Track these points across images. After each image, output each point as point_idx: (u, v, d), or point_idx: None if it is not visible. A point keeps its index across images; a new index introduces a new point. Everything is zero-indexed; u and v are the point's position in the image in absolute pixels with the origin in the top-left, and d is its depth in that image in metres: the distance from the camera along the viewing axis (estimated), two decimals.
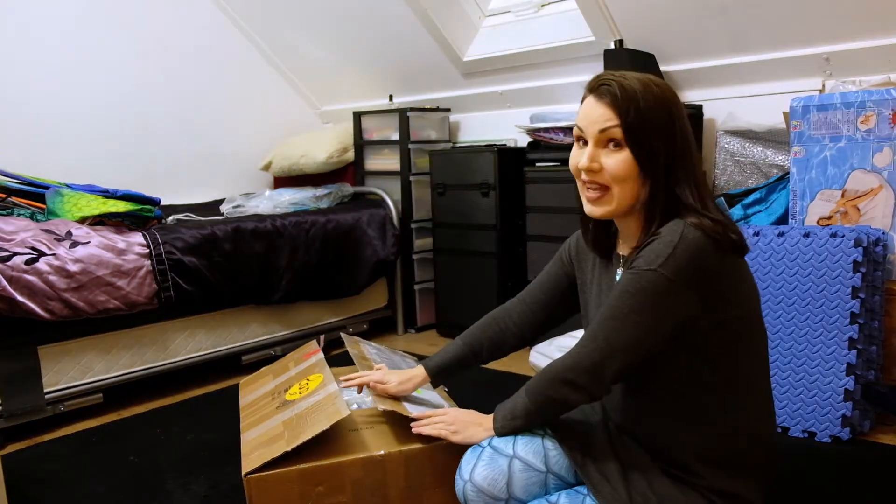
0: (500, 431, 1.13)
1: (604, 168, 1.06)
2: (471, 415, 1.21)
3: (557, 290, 1.33)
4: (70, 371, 1.99)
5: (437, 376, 1.37)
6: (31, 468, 1.69)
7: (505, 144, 2.82)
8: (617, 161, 1.05)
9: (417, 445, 1.21)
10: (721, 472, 1.06)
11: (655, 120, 1.04)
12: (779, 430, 1.73)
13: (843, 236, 1.65)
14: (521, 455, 1.13)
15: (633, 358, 1.04)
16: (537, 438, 1.16)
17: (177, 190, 3.14)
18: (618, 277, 1.17)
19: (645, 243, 1.04)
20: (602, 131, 1.05)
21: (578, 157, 1.09)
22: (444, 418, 1.22)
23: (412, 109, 2.94)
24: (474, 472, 1.11)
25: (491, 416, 1.17)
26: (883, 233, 1.74)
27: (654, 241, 1.03)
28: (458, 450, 1.16)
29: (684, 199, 1.05)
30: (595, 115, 1.06)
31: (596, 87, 1.07)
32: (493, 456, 1.13)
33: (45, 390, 1.94)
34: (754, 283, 1.08)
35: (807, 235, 1.71)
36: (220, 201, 2.82)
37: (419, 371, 1.36)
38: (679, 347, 1.05)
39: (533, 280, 1.37)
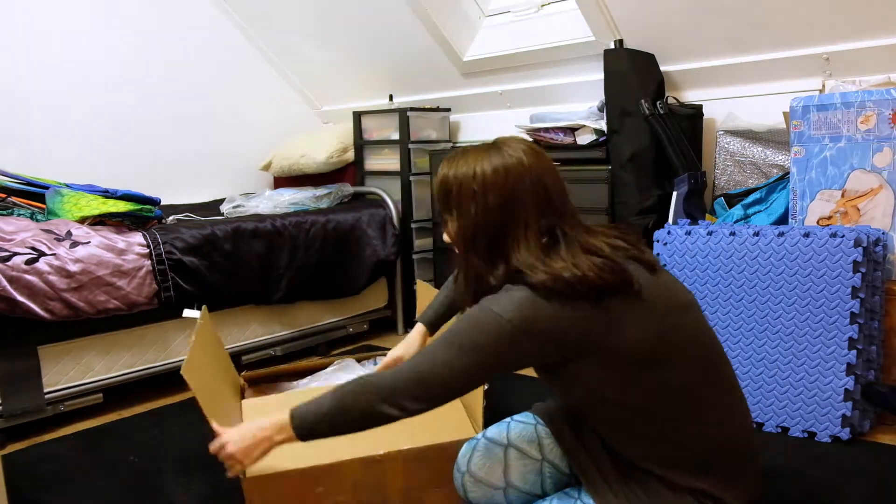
0: (299, 434, 1.06)
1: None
2: (252, 427, 1.10)
3: None
4: (70, 371, 1.99)
5: (435, 326, 1.50)
6: (31, 468, 1.69)
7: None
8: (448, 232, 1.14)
9: (417, 445, 1.21)
10: (692, 476, 1.05)
11: (460, 203, 1.09)
12: (779, 429, 1.73)
13: (843, 236, 1.65)
14: (515, 443, 1.14)
15: (458, 385, 1.03)
16: (530, 427, 1.18)
17: (177, 190, 3.14)
18: None
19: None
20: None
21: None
22: (216, 443, 1.11)
23: (412, 109, 2.94)
24: (471, 462, 1.12)
25: (280, 417, 1.08)
26: (883, 233, 1.74)
27: (501, 292, 1.02)
28: (457, 450, 1.16)
29: (515, 263, 1.05)
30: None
31: None
32: (489, 446, 1.14)
33: (45, 390, 1.94)
34: (660, 307, 1.03)
35: (807, 235, 1.71)
36: (220, 201, 2.82)
37: (418, 331, 1.50)
38: (583, 386, 1.04)
39: None
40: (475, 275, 1.13)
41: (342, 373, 1.74)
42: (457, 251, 1.15)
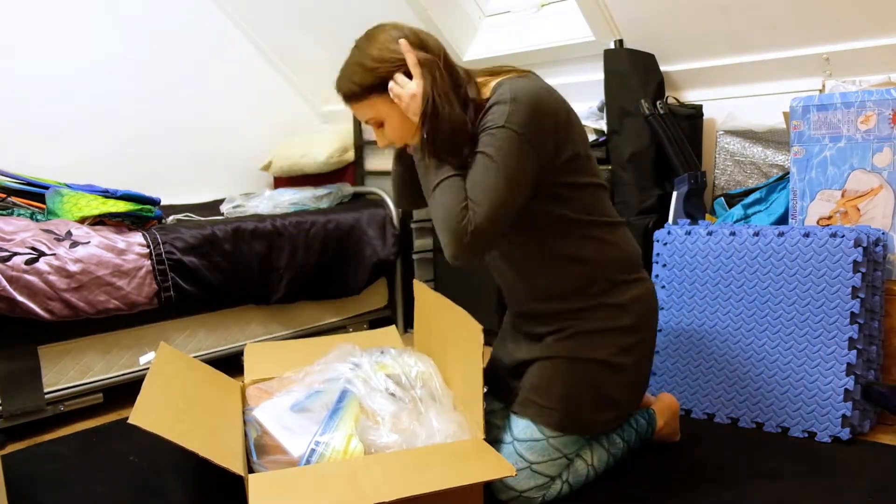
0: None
1: (392, 140, 1.42)
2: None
3: None
4: (70, 371, 1.99)
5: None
6: (31, 468, 1.69)
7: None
8: (392, 130, 1.39)
9: (415, 493, 1.19)
10: (609, 290, 1.39)
11: (374, 81, 1.33)
12: (779, 429, 1.73)
13: (843, 236, 1.65)
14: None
15: (514, 208, 1.28)
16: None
17: (177, 190, 3.14)
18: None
19: (484, 110, 1.30)
20: (368, 121, 1.41)
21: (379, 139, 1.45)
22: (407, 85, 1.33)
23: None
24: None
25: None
26: (883, 233, 1.74)
27: (488, 108, 1.29)
28: (455, 493, 1.23)
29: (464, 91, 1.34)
30: (362, 115, 1.41)
31: (345, 100, 1.40)
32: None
33: (45, 390, 1.94)
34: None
35: (807, 235, 1.71)
36: (220, 201, 2.82)
37: None
38: (539, 196, 1.32)
39: None
40: (455, 128, 1.31)
41: (339, 363, 1.70)
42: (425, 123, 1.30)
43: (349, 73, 1.36)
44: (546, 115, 1.29)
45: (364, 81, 1.34)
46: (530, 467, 1.37)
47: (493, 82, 1.36)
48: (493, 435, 1.48)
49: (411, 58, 1.30)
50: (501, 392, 1.55)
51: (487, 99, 1.32)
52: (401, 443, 1.35)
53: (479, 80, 1.39)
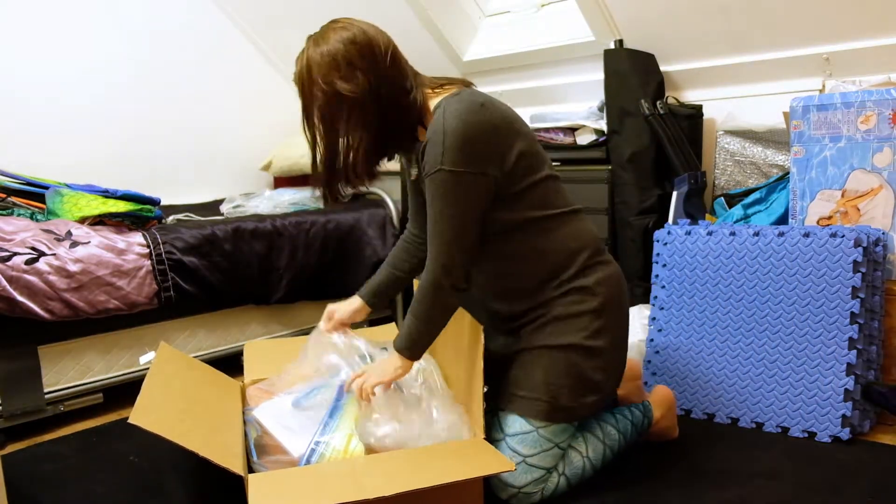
0: (412, 356, 1.41)
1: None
2: (380, 364, 1.44)
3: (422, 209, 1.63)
4: (70, 371, 1.99)
5: (373, 301, 1.70)
6: (31, 468, 1.69)
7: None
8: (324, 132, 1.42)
9: (415, 487, 1.20)
10: (573, 276, 1.42)
11: (318, 98, 1.37)
12: (779, 429, 1.73)
13: (843, 236, 1.65)
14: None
15: (471, 240, 1.34)
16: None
17: (177, 190, 3.14)
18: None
19: (420, 149, 1.35)
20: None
21: None
22: (357, 381, 1.42)
23: None
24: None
25: (395, 354, 1.41)
26: (883, 233, 1.74)
27: (426, 144, 1.31)
28: (456, 492, 1.24)
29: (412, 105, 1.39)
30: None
31: None
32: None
33: (45, 390, 1.94)
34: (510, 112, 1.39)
35: (807, 235, 1.71)
36: (220, 201, 2.82)
37: (356, 301, 1.69)
38: (495, 204, 1.36)
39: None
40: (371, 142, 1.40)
41: (319, 348, 1.70)
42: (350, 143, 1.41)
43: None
44: (479, 137, 1.30)
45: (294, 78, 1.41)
46: (525, 461, 1.38)
47: (434, 100, 1.39)
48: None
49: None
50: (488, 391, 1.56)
51: (429, 117, 1.38)
52: (399, 430, 1.34)
53: (427, 90, 1.42)
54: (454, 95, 1.34)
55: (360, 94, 1.33)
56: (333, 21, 1.45)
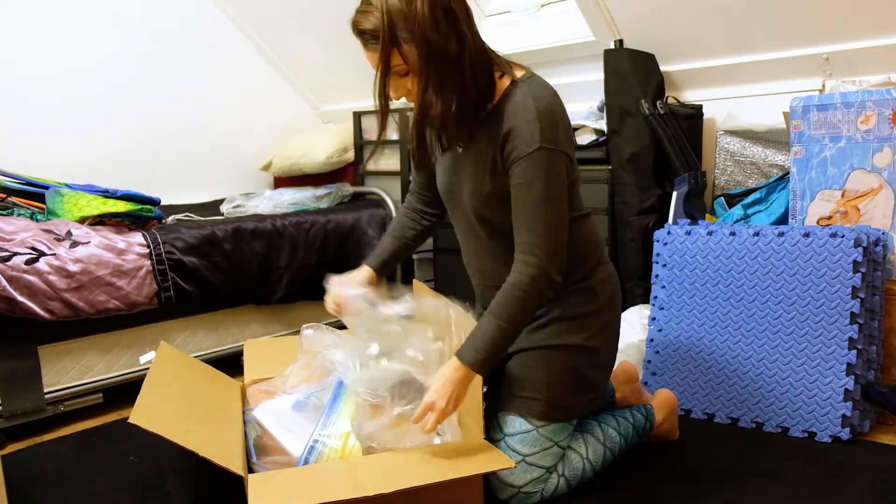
0: (483, 371, 1.29)
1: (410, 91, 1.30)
2: (447, 382, 1.27)
3: (430, 176, 1.56)
4: (70, 371, 1.99)
5: (382, 270, 1.59)
6: (31, 468, 1.69)
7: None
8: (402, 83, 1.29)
9: (414, 484, 1.20)
10: (580, 277, 1.41)
11: (415, 39, 1.20)
12: (779, 429, 1.73)
13: (843, 236, 1.65)
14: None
15: (567, 226, 1.28)
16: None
17: (177, 190, 3.14)
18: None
19: (505, 128, 1.26)
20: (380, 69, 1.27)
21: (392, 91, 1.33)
22: (427, 405, 1.26)
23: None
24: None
25: (462, 367, 1.26)
26: (883, 233, 1.74)
27: (512, 124, 1.24)
28: (456, 490, 1.24)
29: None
30: (371, 61, 1.29)
31: (357, 35, 1.29)
32: None
33: (45, 390, 1.94)
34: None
35: (807, 235, 1.71)
36: (220, 201, 2.82)
37: (362, 271, 1.57)
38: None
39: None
40: (460, 107, 1.27)
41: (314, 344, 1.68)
42: (432, 92, 1.25)
43: (364, 12, 1.25)
44: (566, 122, 1.29)
45: (375, 28, 1.22)
46: (524, 460, 1.38)
47: (506, 82, 1.32)
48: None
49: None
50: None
51: (503, 94, 1.30)
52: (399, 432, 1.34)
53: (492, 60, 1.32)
54: (532, 77, 1.30)
55: (459, 51, 1.23)
56: None
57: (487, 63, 1.29)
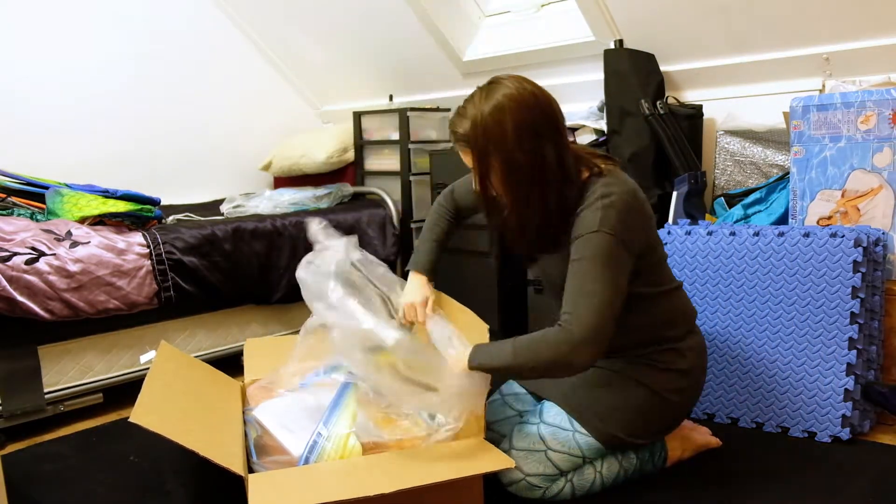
0: (471, 366, 1.32)
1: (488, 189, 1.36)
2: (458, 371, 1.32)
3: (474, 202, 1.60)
4: (70, 371, 1.99)
5: (433, 271, 1.66)
6: (31, 468, 1.69)
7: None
8: (486, 186, 1.35)
9: (415, 484, 1.20)
10: (670, 345, 1.44)
11: (497, 153, 1.29)
12: (779, 429, 1.73)
13: (843, 236, 1.65)
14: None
15: (617, 308, 1.28)
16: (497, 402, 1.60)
17: (177, 190, 3.14)
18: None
19: (575, 215, 1.31)
20: (472, 167, 1.35)
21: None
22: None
23: (412, 109, 2.94)
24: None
25: (465, 357, 1.32)
26: (883, 233, 1.74)
27: (582, 213, 1.30)
28: (456, 489, 1.25)
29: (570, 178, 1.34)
30: (462, 157, 1.37)
31: (451, 135, 1.37)
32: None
33: (45, 390, 1.94)
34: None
35: (807, 235, 1.71)
36: (220, 201, 2.82)
37: (419, 279, 1.63)
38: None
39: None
40: (543, 220, 1.34)
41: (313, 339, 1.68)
42: (514, 204, 1.34)
43: (460, 116, 1.34)
44: (635, 217, 1.32)
45: (466, 134, 1.32)
46: (546, 452, 1.39)
47: (585, 173, 1.36)
48: (506, 414, 1.55)
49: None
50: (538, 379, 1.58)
51: (581, 188, 1.34)
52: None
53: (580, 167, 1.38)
54: (607, 175, 1.34)
55: (549, 162, 1.30)
56: (500, 78, 1.33)
57: (574, 177, 1.34)
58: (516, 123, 1.27)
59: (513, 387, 1.63)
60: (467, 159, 1.36)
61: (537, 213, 1.33)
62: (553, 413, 1.44)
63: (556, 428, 1.41)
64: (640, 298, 1.39)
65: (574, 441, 1.40)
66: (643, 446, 1.51)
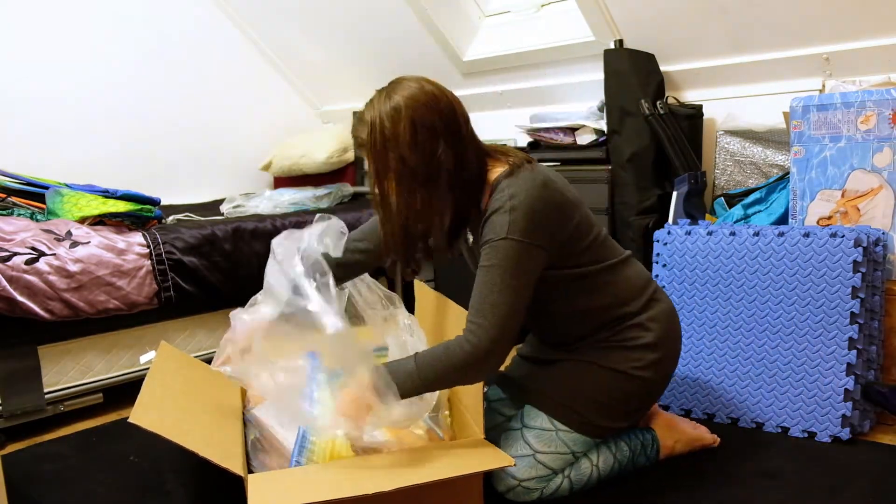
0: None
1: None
2: (355, 404, 1.28)
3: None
4: (70, 371, 1.99)
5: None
6: (31, 468, 1.69)
7: (505, 144, 2.82)
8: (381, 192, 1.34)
9: (414, 482, 1.20)
10: (630, 317, 1.43)
11: (391, 156, 1.29)
12: (779, 429, 1.73)
13: (843, 236, 1.65)
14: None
15: (523, 312, 1.28)
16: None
17: (177, 190, 3.14)
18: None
19: (484, 218, 1.30)
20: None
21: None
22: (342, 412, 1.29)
23: None
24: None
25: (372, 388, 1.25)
26: (883, 233, 1.74)
27: (490, 215, 1.28)
28: (455, 488, 1.24)
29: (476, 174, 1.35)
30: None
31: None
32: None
33: (45, 390, 1.94)
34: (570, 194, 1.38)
35: (807, 235, 1.71)
36: (220, 201, 2.82)
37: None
38: (551, 269, 1.35)
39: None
40: (454, 217, 1.35)
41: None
42: (403, 204, 1.32)
43: (361, 121, 1.36)
44: (544, 213, 1.29)
45: (364, 139, 1.34)
46: (534, 456, 1.39)
47: (496, 172, 1.35)
48: (496, 421, 1.54)
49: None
50: (513, 384, 1.59)
51: (491, 189, 1.33)
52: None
53: (488, 160, 1.39)
54: (514, 175, 1.32)
55: (444, 164, 1.29)
56: (401, 79, 1.35)
57: (476, 178, 1.34)
58: (412, 123, 1.27)
59: (497, 391, 1.63)
60: (368, 164, 1.35)
61: (434, 215, 1.33)
62: (533, 415, 1.44)
63: (539, 430, 1.42)
64: (588, 278, 1.39)
65: (559, 440, 1.40)
66: (633, 433, 1.52)
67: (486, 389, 1.41)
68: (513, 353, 1.67)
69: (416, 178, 1.29)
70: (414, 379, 1.25)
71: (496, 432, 1.53)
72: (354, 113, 3.17)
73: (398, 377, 1.25)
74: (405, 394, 1.26)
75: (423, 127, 1.27)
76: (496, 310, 1.24)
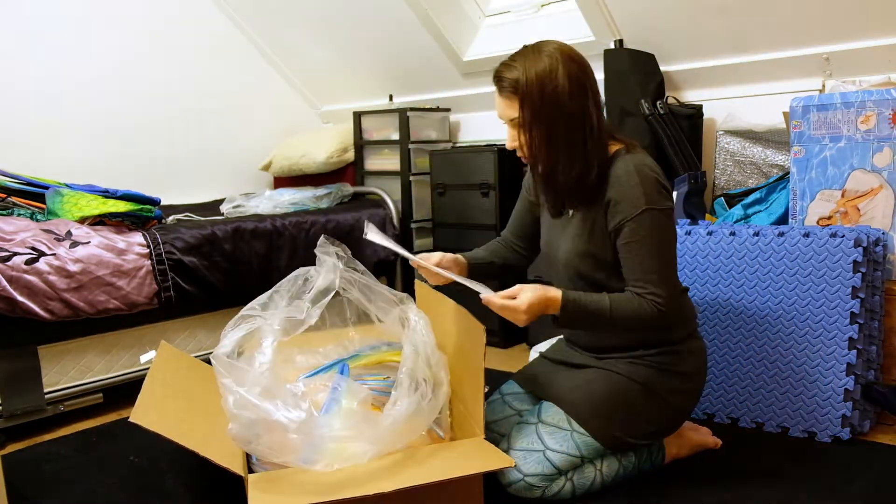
0: (562, 320, 1.36)
1: (523, 145, 1.39)
2: (539, 301, 1.33)
3: (525, 227, 1.66)
4: (70, 371, 1.99)
5: (474, 264, 1.61)
6: (31, 468, 1.70)
7: (505, 144, 2.82)
8: (528, 139, 1.37)
9: (414, 483, 1.20)
10: (673, 345, 1.46)
11: (549, 102, 1.32)
12: (779, 429, 1.73)
13: (843, 236, 1.65)
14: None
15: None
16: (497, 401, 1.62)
17: (177, 190, 3.14)
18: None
19: (608, 195, 1.36)
20: (510, 120, 1.38)
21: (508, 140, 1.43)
22: (516, 305, 1.33)
23: (412, 109, 2.94)
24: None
25: (557, 298, 1.33)
26: (883, 233, 1.74)
27: (615, 191, 1.34)
28: (455, 489, 1.24)
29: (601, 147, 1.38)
30: (500, 108, 1.39)
31: (496, 82, 1.38)
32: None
33: (45, 390, 1.94)
34: None
35: (807, 235, 1.71)
36: (220, 201, 2.82)
37: (455, 257, 1.58)
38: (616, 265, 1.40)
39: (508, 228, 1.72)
40: (577, 175, 1.38)
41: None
42: (552, 153, 1.37)
43: (508, 66, 1.37)
44: (667, 185, 1.38)
45: (515, 80, 1.35)
46: (544, 452, 1.39)
47: (613, 147, 1.41)
48: (505, 414, 1.56)
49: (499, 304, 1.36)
50: (535, 380, 1.59)
51: (609, 162, 1.39)
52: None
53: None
54: (632, 152, 1.39)
55: (588, 119, 1.35)
56: (547, 41, 1.38)
57: (604, 136, 1.40)
58: (569, 75, 1.32)
59: (512, 386, 1.63)
60: (509, 108, 1.37)
61: (575, 166, 1.37)
62: (552, 413, 1.44)
63: (554, 428, 1.42)
64: None
65: (572, 441, 1.40)
66: (643, 447, 1.51)
67: (486, 389, 1.40)
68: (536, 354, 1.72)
69: (570, 126, 1.34)
70: (605, 311, 1.34)
71: (504, 424, 1.53)
72: (355, 113, 3.17)
73: (591, 298, 1.35)
74: (586, 316, 1.34)
75: (577, 80, 1.33)
76: (663, 274, 1.34)
